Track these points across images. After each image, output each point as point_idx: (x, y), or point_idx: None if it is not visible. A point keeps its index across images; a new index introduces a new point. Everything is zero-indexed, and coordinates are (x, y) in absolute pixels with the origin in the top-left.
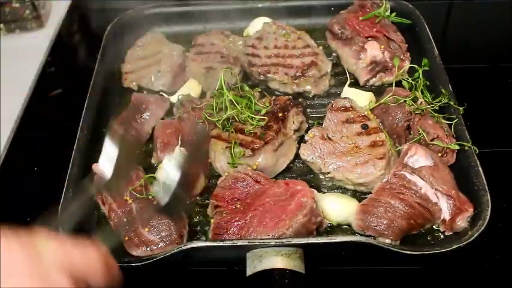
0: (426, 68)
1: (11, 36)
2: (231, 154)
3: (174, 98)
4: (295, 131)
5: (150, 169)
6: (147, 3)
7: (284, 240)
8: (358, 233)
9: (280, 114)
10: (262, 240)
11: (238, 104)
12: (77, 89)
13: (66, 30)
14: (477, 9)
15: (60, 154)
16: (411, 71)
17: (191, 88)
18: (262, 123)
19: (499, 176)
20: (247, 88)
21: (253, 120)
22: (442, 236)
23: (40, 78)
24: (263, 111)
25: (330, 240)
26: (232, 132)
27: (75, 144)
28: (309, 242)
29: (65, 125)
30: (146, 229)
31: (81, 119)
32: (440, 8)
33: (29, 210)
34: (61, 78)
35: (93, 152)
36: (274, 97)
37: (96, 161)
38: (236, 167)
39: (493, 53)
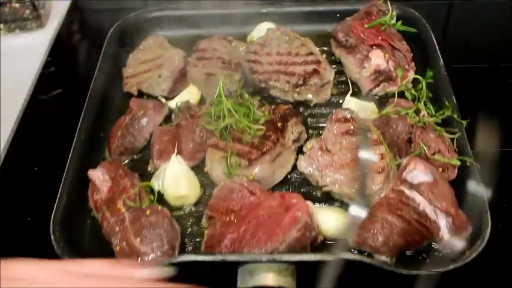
0: (430, 81)
1: (11, 36)
2: (227, 164)
3: (173, 104)
4: (294, 141)
5: (147, 176)
6: (147, 3)
7: (275, 257)
8: (354, 249)
9: (279, 124)
10: (254, 256)
11: (236, 113)
12: (77, 89)
13: (66, 30)
14: (477, 9)
15: (60, 154)
16: (415, 81)
17: (190, 94)
18: (260, 133)
19: (499, 177)
20: (246, 96)
21: (250, 130)
22: (439, 255)
23: (40, 78)
24: (262, 120)
25: (322, 258)
26: (229, 141)
27: (71, 150)
28: (301, 259)
29: (65, 125)
30: (138, 239)
31: (79, 124)
32: (440, 8)
33: (29, 210)
34: (61, 78)
35: (90, 158)
36: (273, 106)
37: (93, 166)
38: (232, 177)
39: (493, 53)
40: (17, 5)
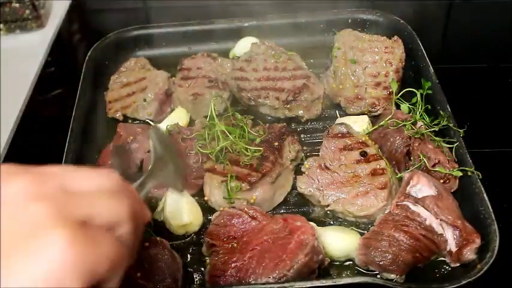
0: (429, 92)
1: (11, 36)
2: (228, 189)
3: (161, 127)
4: (292, 160)
5: None
6: (146, 3)
7: (286, 285)
8: (360, 269)
9: (276, 143)
10: (263, 286)
11: (231, 134)
12: (77, 88)
13: (66, 30)
14: (477, 9)
15: (61, 154)
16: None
17: (179, 117)
18: (258, 154)
19: (499, 177)
20: (239, 116)
21: (248, 152)
22: (448, 268)
23: (40, 78)
24: (257, 141)
25: (335, 283)
26: (227, 164)
27: None
28: (313, 285)
29: (65, 124)
30: (138, 274)
31: (64, 156)
32: (440, 8)
33: None
34: (61, 78)
35: None
36: (267, 124)
37: None
38: (233, 202)
39: (493, 53)
40: (17, 5)
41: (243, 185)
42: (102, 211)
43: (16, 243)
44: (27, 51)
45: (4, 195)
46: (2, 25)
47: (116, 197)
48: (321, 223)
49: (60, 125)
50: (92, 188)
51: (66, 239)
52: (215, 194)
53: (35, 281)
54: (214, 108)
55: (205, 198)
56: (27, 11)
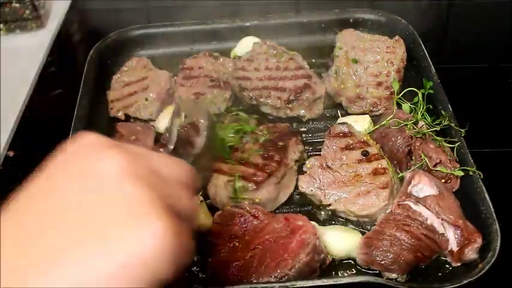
0: (430, 91)
1: (11, 36)
2: (235, 189)
3: (157, 124)
4: (296, 161)
5: None
6: (147, 3)
7: (288, 284)
8: (361, 268)
9: (280, 143)
10: (265, 285)
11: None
12: (77, 89)
13: (66, 30)
14: (477, 9)
15: None
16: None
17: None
18: (258, 152)
19: (500, 177)
20: (244, 116)
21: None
22: (449, 268)
23: (40, 78)
24: (261, 139)
25: (336, 282)
26: (233, 164)
27: None
28: (315, 285)
29: (65, 125)
30: None
31: None
32: (440, 8)
33: None
34: (61, 78)
35: None
36: (271, 124)
37: None
38: (240, 202)
39: (493, 53)
40: (17, 5)
41: (250, 185)
42: (185, 203)
43: (109, 222)
44: (27, 51)
45: (97, 169)
46: (2, 25)
47: (191, 191)
48: (323, 222)
49: (60, 125)
50: (173, 177)
51: (163, 227)
52: (221, 194)
53: (123, 262)
54: (214, 107)
55: (211, 198)
56: (27, 11)
